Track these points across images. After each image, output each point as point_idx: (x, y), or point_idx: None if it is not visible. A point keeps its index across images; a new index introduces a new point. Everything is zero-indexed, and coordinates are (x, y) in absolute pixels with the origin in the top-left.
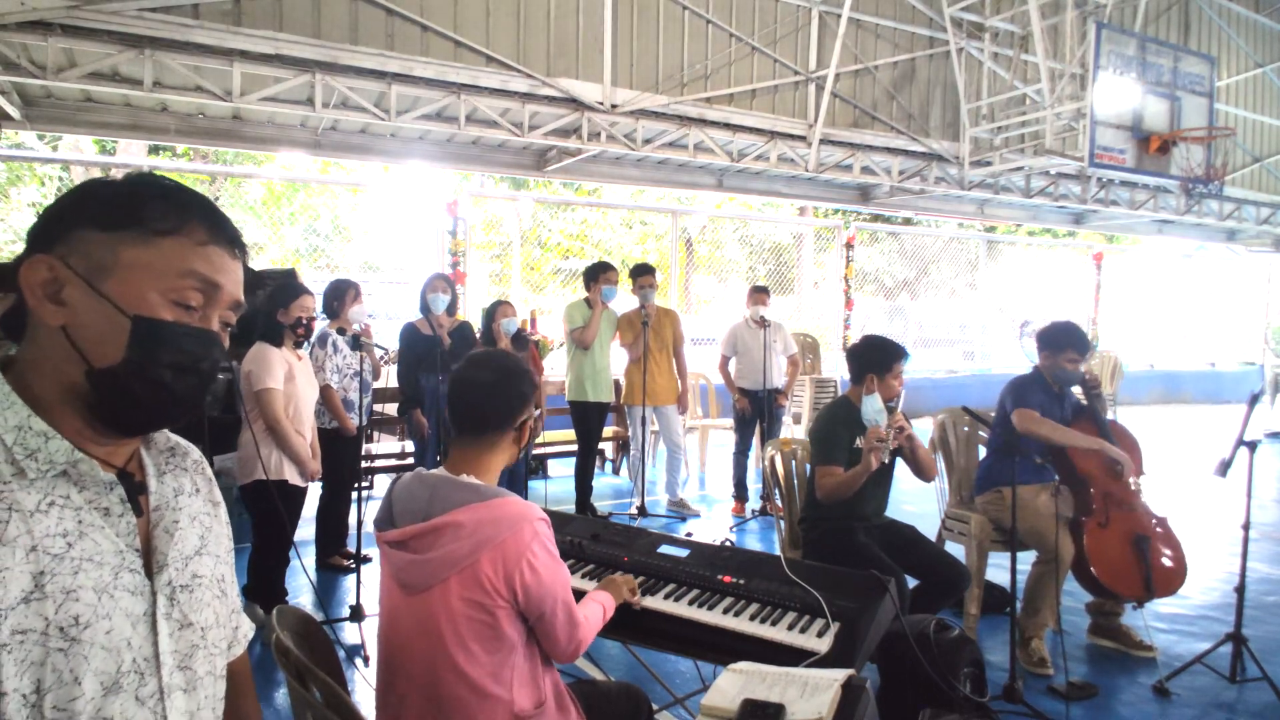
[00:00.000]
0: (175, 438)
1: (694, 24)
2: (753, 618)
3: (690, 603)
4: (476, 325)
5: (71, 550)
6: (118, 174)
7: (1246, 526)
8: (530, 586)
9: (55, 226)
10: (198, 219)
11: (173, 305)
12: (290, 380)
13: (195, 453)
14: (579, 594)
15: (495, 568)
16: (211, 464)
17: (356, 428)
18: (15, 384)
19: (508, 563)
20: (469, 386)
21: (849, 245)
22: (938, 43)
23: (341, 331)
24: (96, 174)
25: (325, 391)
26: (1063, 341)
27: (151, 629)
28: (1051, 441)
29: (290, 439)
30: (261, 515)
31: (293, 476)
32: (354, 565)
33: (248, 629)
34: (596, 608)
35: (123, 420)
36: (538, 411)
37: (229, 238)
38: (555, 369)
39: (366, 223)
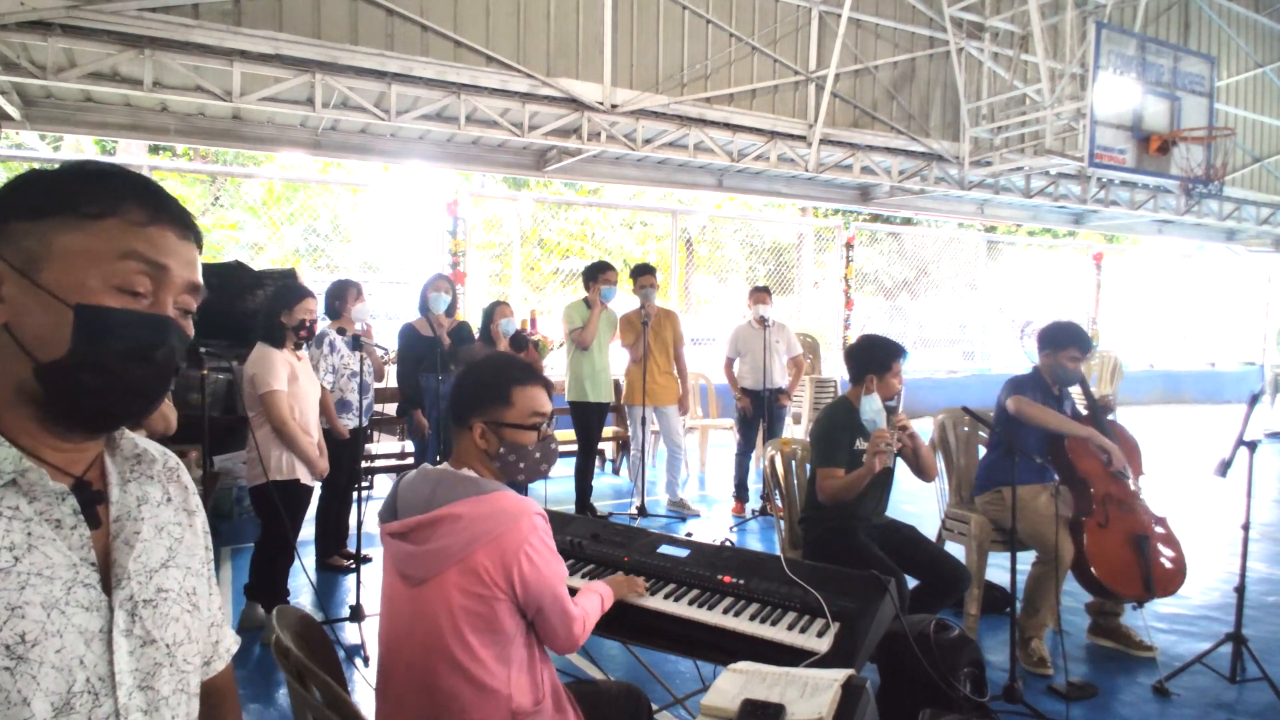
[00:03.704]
0: (145, 443)
1: (694, 24)
2: (753, 618)
3: (690, 603)
4: (477, 325)
5: (18, 565)
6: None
7: (1246, 526)
8: (529, 579)
9: None
10: (134, 200)
11: (117, 291)
12: (294, 381)
13: (170, 459)
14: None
15: (493, 560)
16: (212, 464)
17: (350, 430)
18: None
19: (505, 555)
20: (457, 379)
21: (849, 245)
22: (938, 43)
23: (341, 331)
24: None
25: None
26: (1064, 340)
27: (107, 647)
28: (1043, 425)
29: (298, 439)
30: (270, 516)
31: (304, 476)
32: (354, 565)
33: (231, 643)
34: (594, 598)
35: (78, 417)
36: (545, 429)
37: (174, 218)
38: (555, 369)
39: (366, 223)
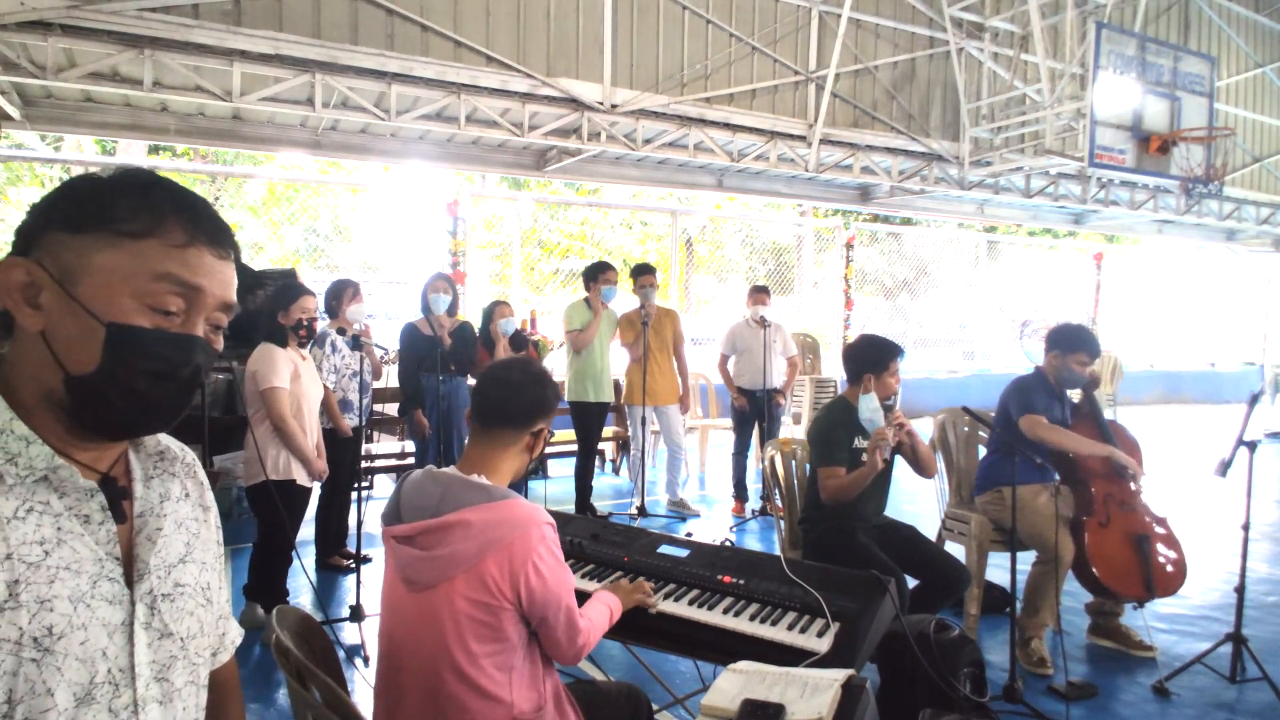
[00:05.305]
0: (166, 440)
1: (694, 24)
2: (753, 618)
3: (690, 603)
4: (476, 325)
5: (48, 558)
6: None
7: (1246, 526)
8: (535, 590)
9: (34, 227)
10: (174, 219)
11: (149, 310)
12: (296, 380)
13: (189, 455)
14: (582, 595)
15: (501, 569)
16: (211, 464)
17: (353, 429)
18: (0, 385)
19: (514, 565)
20: (497, 381)
21: (849, 245)
22: (938, 43)
23: (342, 331)
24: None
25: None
26: (1076, 343)
27: (128, 639)
28: (1061, 448)
29: (296, 438)
30: (267, 515)
31: (300, 476)
32: (354, 565)
33: (235, 635)
34: (603, 609)
35: (102, 427)
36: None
37: (212, 237)
38: (555, 369)
39: (367, 223)
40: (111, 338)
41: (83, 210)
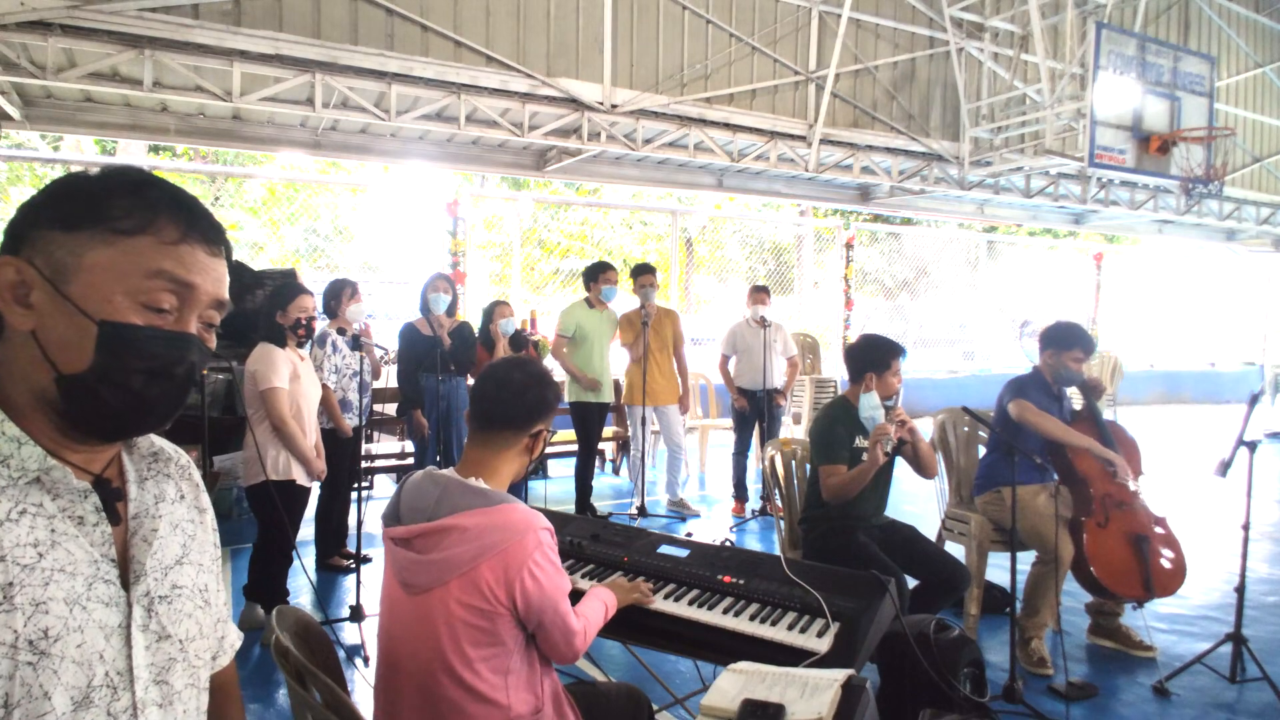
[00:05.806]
0: (160, 442)
1: (694, 24)
2: (753, 618)
3: (690, 603)
4: (476, 325)
5: (42, 561)
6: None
7: (1246, 526)
8: (531, 595)
9: (24, 226)
10: (167, 216)
11: (143, 308)
12: (295, 380)
13: (182, 457)
14: (581, 595)
15: (496, 574)
16: (211, 465)
17: (353, 429)
18: None
19: (509, 570)
20: (496, 382)
21: (849, 245)
22: (938, 43)
23: (341, 331)
24: None
25: (323, 391)
26: (1069, 341)
27: (126, 642)
28: (1044, 433)
29: (296, 439)
30: (267, 516)
31: (300, 476)
32: (354, 565)
33: (235, 639)
34: (598, 606)
35: (95, 428)
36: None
37: (205, 234)
38: (555, 370)
39: (367, 223)
40: (104, 336)
41: (76, 208)
